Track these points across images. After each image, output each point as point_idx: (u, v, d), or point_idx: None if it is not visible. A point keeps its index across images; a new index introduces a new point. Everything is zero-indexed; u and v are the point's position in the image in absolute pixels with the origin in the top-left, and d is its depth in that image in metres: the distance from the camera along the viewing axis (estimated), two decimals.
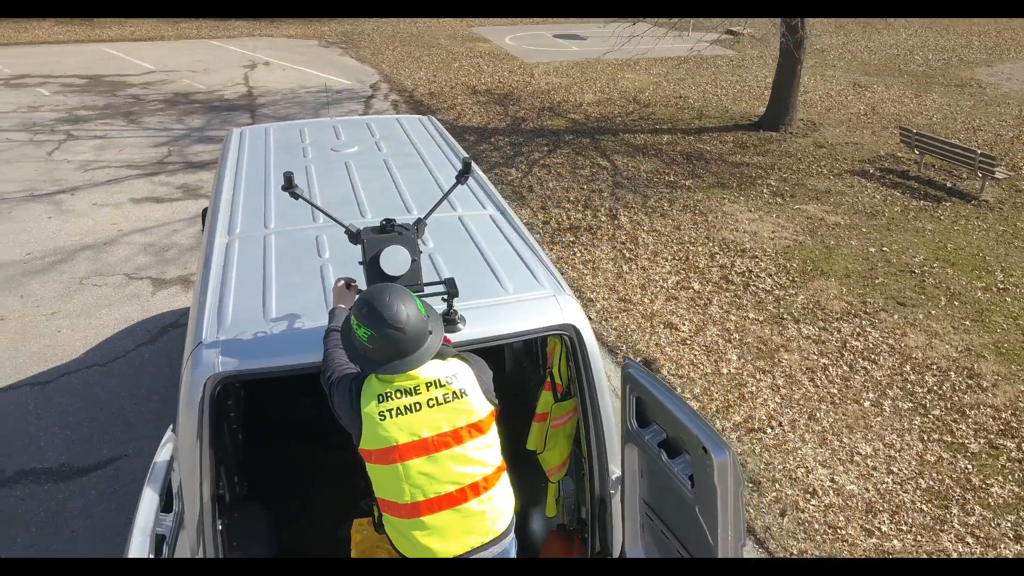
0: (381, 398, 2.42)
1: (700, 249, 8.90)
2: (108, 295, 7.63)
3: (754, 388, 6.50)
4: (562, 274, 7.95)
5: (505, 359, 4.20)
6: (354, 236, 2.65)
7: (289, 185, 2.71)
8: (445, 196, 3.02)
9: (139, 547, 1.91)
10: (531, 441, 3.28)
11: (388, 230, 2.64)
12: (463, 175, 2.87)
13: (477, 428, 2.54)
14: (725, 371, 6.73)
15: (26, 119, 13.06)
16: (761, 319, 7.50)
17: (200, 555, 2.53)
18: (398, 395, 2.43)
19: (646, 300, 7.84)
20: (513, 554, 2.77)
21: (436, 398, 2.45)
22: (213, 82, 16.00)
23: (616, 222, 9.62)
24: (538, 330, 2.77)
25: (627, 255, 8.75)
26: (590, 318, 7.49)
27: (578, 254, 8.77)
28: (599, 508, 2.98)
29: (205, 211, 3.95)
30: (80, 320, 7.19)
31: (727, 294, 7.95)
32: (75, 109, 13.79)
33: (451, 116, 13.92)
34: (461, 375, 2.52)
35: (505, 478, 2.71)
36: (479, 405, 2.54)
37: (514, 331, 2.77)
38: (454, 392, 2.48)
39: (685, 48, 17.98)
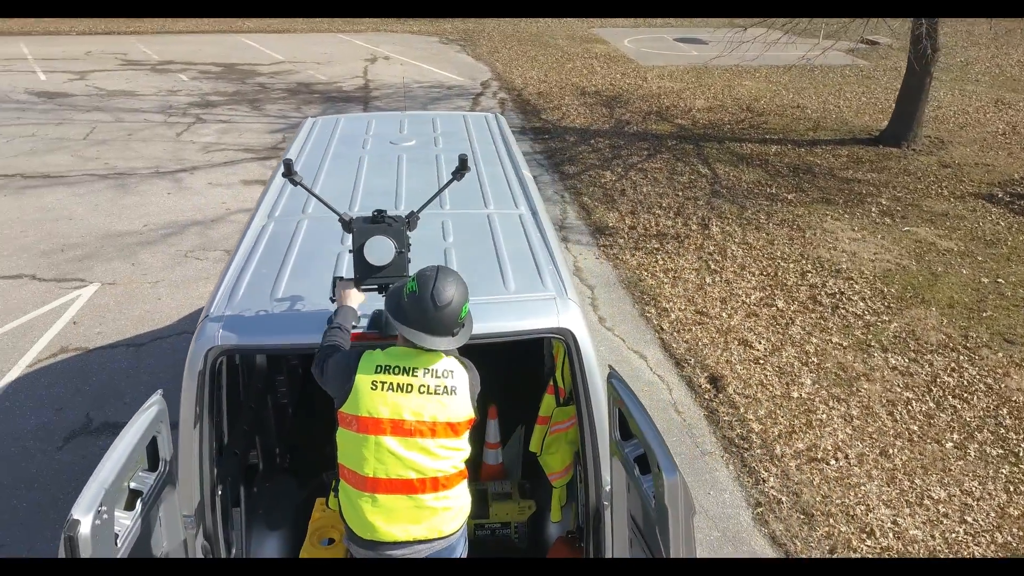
0: (379, 369, 2.50)
1: (791, 266, 8.50)
2: (207, 268, 8.16)
3: (824, 416, 6.15)
4: (638, 283, 7.85)
5: (515, 358, 4.16)
6: (346, 224, 2.72)
7: (288, 172, 2.81)
8: (440, 191, 3.05)
9: (90, 498, 2.05)
10: (532, 442, 3.26)
11: (378, 221, 2.70)
12: (459, 171, 2.89)
13: (453, 429, 2.57)
14: (796, 395, 6.41)
15: (164, 102, 14.14)
16: (845, 344, 7.08)
17: (195, 515, 2.67)
18: (396, 372, 2.50)
19: (724, 315, 7.57)
20: (460, 552, 2.78)
21: (428, 386, 2.51)
22: (334, 74, 16.74)
23: (706, 232, 9.33)
24: (531, 331, 2.75)
25: (712, 266, 8.48)
26: (661, 328, 7.32)
27: (660, 262, 8.58)
28: (593, 519, 2.92)
29: None
30: (179, 290, 7.72)
31: (812, 315, 7.55)
32: (207, 95, 14.80)
33: (555, 116, 13.93)
34: (457, 375, 2.57)
35: (464, 485, 2.72)
36: (463, 409, 2.57)
37: (505, 330, 2.75)
38: (446, 387, 2.53)
39: (809, 56, 17.19)
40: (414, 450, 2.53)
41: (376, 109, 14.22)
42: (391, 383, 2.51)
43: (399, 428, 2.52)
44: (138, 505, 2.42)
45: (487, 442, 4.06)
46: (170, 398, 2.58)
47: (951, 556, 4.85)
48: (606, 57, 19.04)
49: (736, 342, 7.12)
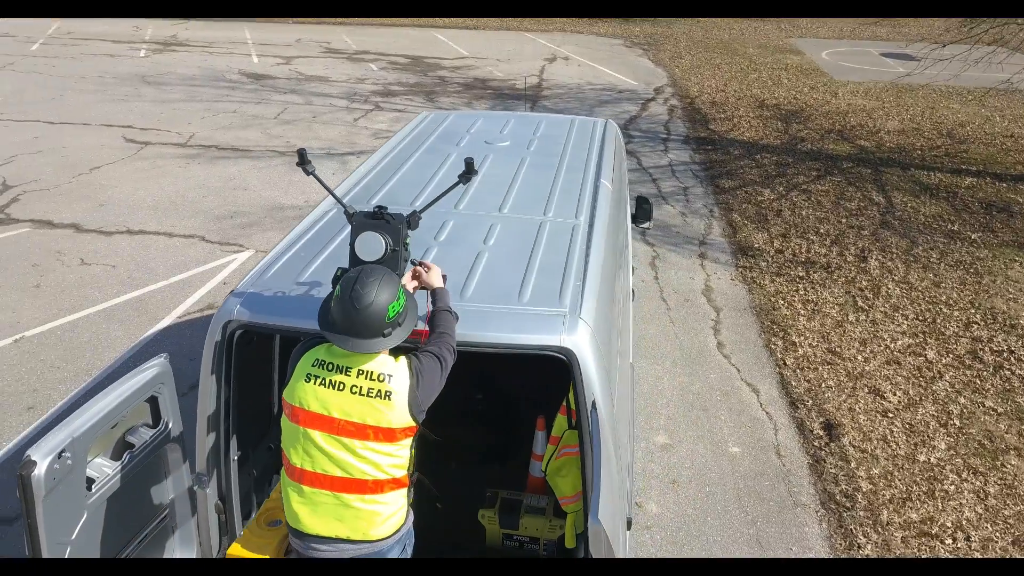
0: (317, 363, 2.51)
1: (955, 314, 7.55)
2: None
3: (953, 488, 5.41)
4: (770, 312, 7.31)
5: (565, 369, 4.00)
6: (349, 217, 2.75)
7: (302, 161, 2.90)
8: (444, 194, 2.99)
9: (52, 444, 2.22)
10: (544, 461, 3.14)
11: (378, 217, 2.70)
12: (465, 175, 2.83)
13: (386, 435, 2.51)
14: (923, 459, 5.69)
15: (351, 89, 15.16)
16: (1000, 411, 6.18)
17: (206, 474, 2.84)
18: (330, 369, 2.49)
19: (860, 357, 6.88)
20: (391, 557, 2.69)
21: (361, 388, 2.47)
22: (511, 71, 17.11)
23: (863, 265, 8.52)
24: (529, 346, 2.62)
25: (860, 303, 7.73)
26: (784, 363, 6.79)
27: (801, 291, 7.95)
28: (586, 552, 2.76)
29: None
30: None
31: (967, 372, 6.66)
32: (391, 84, 15.69)
33: (724, 127, 13.34)
34: (398, 379, 2.50)
35: (401, 494, 2.63)
36: (397, 415, 2.50)
37: (502, 341, 2.65)
38: (379, 391, 2.48)
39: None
40: (340, 449, 2.51)
41: (543, 108, 14.36)
42: (324, 379, 2.51)
43: (327, 424, 2.51)
44: (125, 456, 2.62)
45: (533, 453, 3.97)
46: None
47: None
48: (797, 69, 17.92)
49: (866, 389, 6.45)
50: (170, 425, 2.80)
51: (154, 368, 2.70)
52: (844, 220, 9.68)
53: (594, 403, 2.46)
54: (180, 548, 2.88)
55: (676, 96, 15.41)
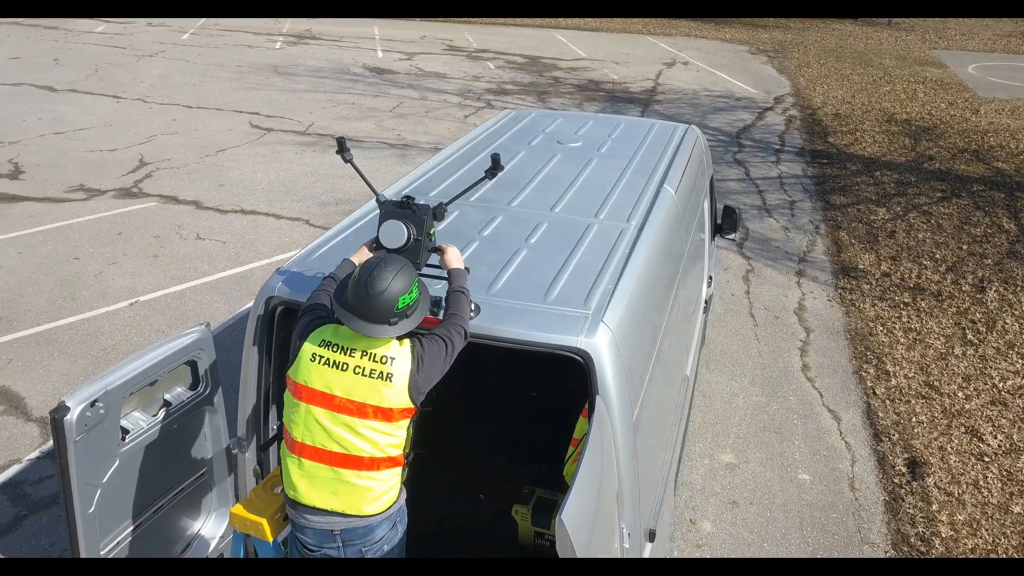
0: (323, 343, 2.62)
1: None
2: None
3: None
4: (867, 337, 6.89)
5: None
6: (380, 205, 2.83)
7: (341, 148, 3.01)
8: (468, 189, 3.01)
9: (86, 393, 2.42)
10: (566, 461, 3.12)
11: (404, 206, 2.77)
12: (490, 171, 2.86)
13: (384, 414, 2.59)
14: (1017, 511, 5.24)
15: (466, 87, 15.49)
16: None
17: (245, 439, 3.01)
18: (335, 349, 2.59)
19: (960, 395, 6.39)
20: (382, 536, 2.75)
21: (363, 369, 2.56)
22: (627, 74, 16.94)
23: (979, 296, 7.91)
24: (547, 345, 2.60)
25: (970, 337, 7.18)
26: (873, 392, 6.41)
27: (904, 319, 7.47)
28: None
29: None
30: None
31: None
32: (505, 83, 15.90)
33: (844, 141, 12.68)
34: (399, 362, 2.57)
35: (395, 472, 2.70)
36: (396, 396, 2.58)
37: (519, 338, 2.64)
38: (381, 373, 2.56)
39: None
40: (340, 426, 2.61)
41: (655, 113, 14.15)
42: (328, 359, 2.60)
43: (328, 402, 2.61)
44: (161, 413, 2.82)
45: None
46: None
47: None
48: (936, 83, 16.77)
49: (962, 429, 5.99)
50: (208, 389, 3.00)
51: (194, 334, 2.89)
52: (965, 247, 9.00)
53: (596, 404, 2.42)
54: (217, 505, 3.08)
55: (796, 106, 14.78)
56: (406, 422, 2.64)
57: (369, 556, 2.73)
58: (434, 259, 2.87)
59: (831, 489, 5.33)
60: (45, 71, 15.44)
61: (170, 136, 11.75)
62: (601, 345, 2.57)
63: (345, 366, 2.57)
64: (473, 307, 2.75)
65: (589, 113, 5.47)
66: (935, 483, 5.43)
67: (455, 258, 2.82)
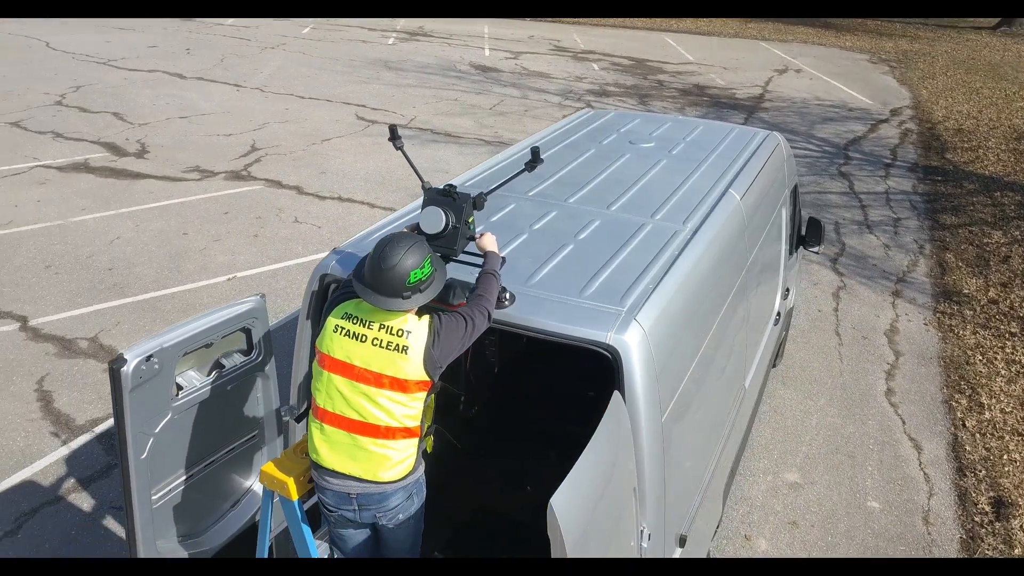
0: (345, 316, 2.76)
1: None
2: None
3: None
4: (963, 366, 6.48)
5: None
6: (424, 192, 2.92)
7: (392, 136, 3.10)
8: (508, 180, 3.04)
9: (144, 348, 2.63)
10: None
11: (446, 194, 2.84)
12: (529, 164, 2.89)
13: (399, 385, 2.68)
14: None
15: (567, 87, 15.53)
16: None
17: (299, 407, 3.17)
18: (355, 322, 2.73)
19: None
20: (397, 504, 2.83)
21: (380, 341, 2.68)
22: (735, 80, 16.51)
23: None
24: (575, 338, 2.61)
25: None
26: (962, 424, 6.04)
27: (1007, 350, 6.98)
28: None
29: None
30: None
31: None
32: (607, 84, 15.83)
33: (963, 158, 11.92)
34: (416, 336, 2.67)
35: (411, 443, 2.77)
36: (412, 369, 2.67)
37: (547, 329, 2.66)
38: (397, 345, 2.67)
39: None
40: (358, 395, 2.73)
41: (759, 122, 13.74)
42: (348, 330, 2.74)
43: (348, 371, 2.74)
44: (214, 374, 3.02)
45: None
46: None
47: None
48: None
49: None
50: (260, 356, 3.19)
51: (249, 303, 3.09)
52: None
53: (614, 398, 2.42)
54: None
55: (915, 119, 13.99)
56: (423, 395, 2.73)
57: (383, 523, 2.85)
58: (473, 247, 2.94)
59: (902, 520, 5.07)
60: (177, 60, 16.57)
61: (281, 124, 12.37)
62: (631, 342, 2.56)
63: (364, 338, 2.70)
64: (508, 296, 2.81)
65: (669, 115, 5.40)
66: (1020, 526, 5.07)
67: (490, 242, 2.90)
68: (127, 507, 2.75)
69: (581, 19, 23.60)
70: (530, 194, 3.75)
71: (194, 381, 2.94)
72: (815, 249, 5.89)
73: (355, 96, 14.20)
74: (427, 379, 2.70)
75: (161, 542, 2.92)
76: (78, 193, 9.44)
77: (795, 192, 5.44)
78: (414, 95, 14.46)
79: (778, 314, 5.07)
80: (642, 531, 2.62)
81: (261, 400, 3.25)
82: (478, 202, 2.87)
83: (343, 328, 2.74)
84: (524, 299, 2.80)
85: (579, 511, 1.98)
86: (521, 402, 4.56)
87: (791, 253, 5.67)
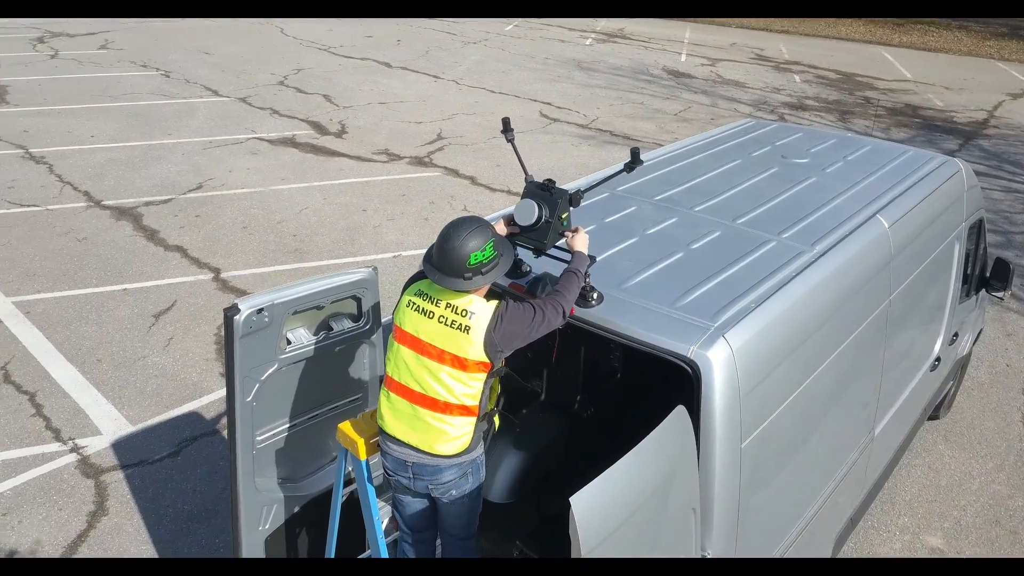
0: (418, 293, 2.90)
1: None
2: None
3: None
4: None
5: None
6: (526, 183, 2.95)
7: (505, 128, 3.13)
8: (605, 180, 2.97)
9: (256, 301, 2.90)
10: None
11: (544, 188, 2.85)
12: (628, 165, 2.81)
13: (460, 363, 2.76)
14: None
15: (762, 98, 14.86)
16: None
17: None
18: (425, 299, 2.85)
19: None
20: (448, 476, 2.89)
21: (446, 319, 2.78)
22: (955, 102, 14.96)
23: None
24: (654, 347, 2.51)
25: None
26: None
27: None
28: None
29: None
30: None
31: None
32: (806, 98, 14.96)
33: None
34: (479, 318, 2.74)
35: (468, 421, 2.81)
36: (472, 349, 2.74)
37: (627, 334, 2.58)
38: (460, 324, 2.75)
39: None
40: (422, 368, 2.85)
41: (977, 149, 12.38)
42: (419, 306, 2.87)
43: (415, 345, 2.86)
44: (322, 334, 3.25)
45: None
46: None
47: None
48: None
49: None
50: (368, 325, 3.40)
51: (361, 274, 3.30)
52: None
53: (677, 411, 2.33)
54: None
55: None
56: (482, 376, 2.81)
57: (436, 495, 2.96)
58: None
59: None
60: (387, 50, 17.80)
61: (468, 116, 12.93)
62: (715, 360, 2.46)
63: (431, 314, 2.82)
64: (596, 296, 2.79)
65: (836, 131, 5.05)
66: None
67: (581, 241, 2.90)
68: (230, 441, 3.07)
69: (790, 28, 22.43)
70: (656, 198, 3.68)
71: (303, 339, 3.21)
72: (1000, 295, 5.25)
73: (543, 94, 14.50)
74: (487, 360, 2.77)
75: (261, 480, 3.22)
76: (281, 165, 10.47)
77: (978, 227, 4.88)
78: (600, 96, 14.51)
79: (937, 359, 4.58)
80: (705, 555, 2.51)
81: (367, 366, 3.47)
82: (574, 199, 2.88)
83: (415, 304, 2.89)
84: (612, 302, 2.78)
85: (605, 516, 1.95)
86: (633, 412, 4.49)
87: (968, 295, 5.10)
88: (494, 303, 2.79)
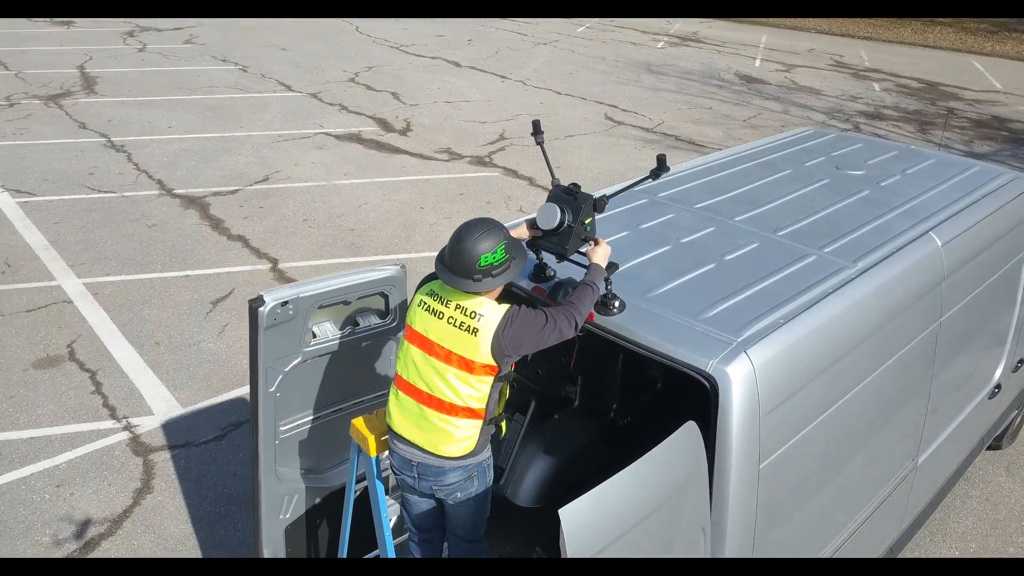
0: (429, 293, 2.89)
1: None
2: None
3: None
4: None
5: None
6: (552, 187, 2.90)
7: (535, 131, 3.09)
8: (631, 186, 2.88)
9: (282, 293, 2.94)
10: None
11: (569, 192, 2.80)
12: (655, 171, 2.73)
13: (466, 365, 2.74)
14: None
15: (837, 105, 14.37)
16: None
17: None
18: (436, 299, 2.85)
19: None
20: (453, 478, 2.87)
21: (455, 320, 2.77)
22: None
23: None
24: (671, 359, 2.43)
25: None
26: None
27: None
28: None
29: None
30: None
31: None
32: (884, 107, 14.40)
33: None
34: (487, 320, 2.71)
35: (474, 424, 2.79)
36: (479, 351, 2.71)
37: (644, 343, 2.50)
38: (468, 326, 2.73)
39: None
40: (429, 368, 2.85)
41: None
42: (429, 306, 2.87)
43: (423, 344, 2.86)
44: (347, 329, 3.28)
45: None
46: None
47: None
48: None
49: None
50: (395, 322, 3.42)
51: (389, 271, 3.31)
52: None
53: (688, 427, 2.26)
54: None
55: None
56: (490, 379, 2.78)
57: (440, 496, 2.96)
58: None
59: None
60: (457, 49, 17.97)
61: (532, 117, 12.92)
62: (735, 376, 2.38)
63: (441, 315, 2.82)
64: (617, 304, 2.74)
65: (899, 143, 4.82)
66: None
67: (600, 254, 2.85)
68: (252, 429, 3.14)
69: (873, 34, 21.63)
70: (696, 206, 3.59)
71: (328, 332, 3.26)
72: None
73: (609, 96, 14.38)
74: (493, 364, 2.75)
75: (284, 469, 3.28)
76: (345, 160, 10.69)
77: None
78: (668, 100, 14.30)
79: (998, 386, 4.33)
80: None
81: (393, 362, 3.50)
82: (599, 204, 2.83)
83: (425, 303, 2.89)
84: (634, 311, 2.72)
85: (597, 529, 1.90)
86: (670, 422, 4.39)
87: None
88: (505, 307, 2.77)
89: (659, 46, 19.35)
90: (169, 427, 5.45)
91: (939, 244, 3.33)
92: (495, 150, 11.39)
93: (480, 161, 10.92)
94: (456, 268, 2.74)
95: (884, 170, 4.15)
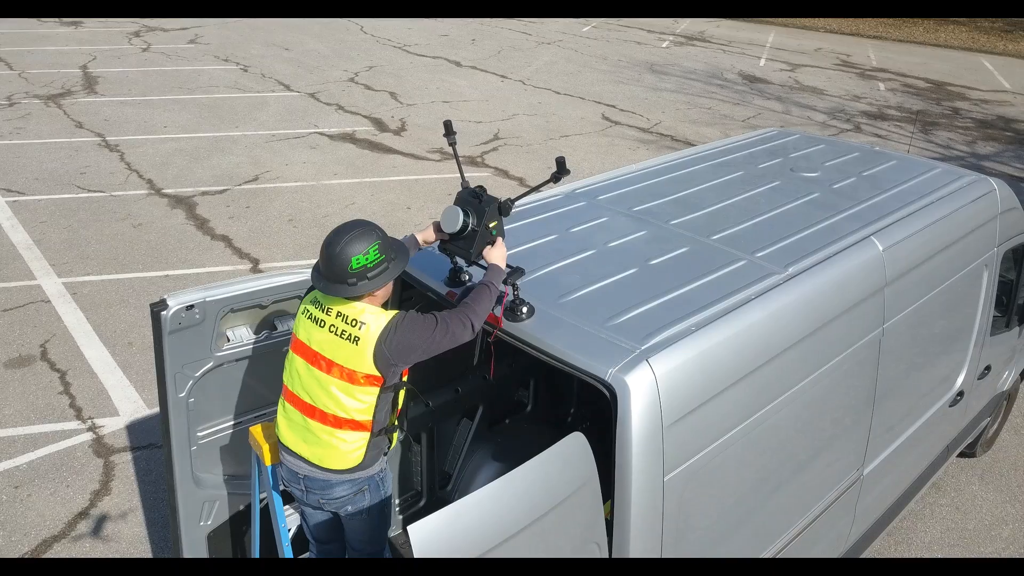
0: (312, 300, 2.81)
1: None
2: None
3: None
4: None
5: None
6: (461, 190, 2.84)
7: (447, 132, 3.03)
8: (532, 190, 2.83)
9: (187, 296, 2.91)
10: None
11: (474, 195, 2.74)
12: (555, 175, 2.67)
13: (347, 375, 2.64)
14: None
15: (840, 106, 14.17)
16: None
17: None
18: (318, 307, 2.76)
19: None
20: (341, 492, 2.78)
21: (336, 328, 2.68)
22: None
23: None
24: (576, 368, 2.37)
25: None
26: None
27: None
28: None
29: None
30: None
31: None
32: (887, 107, 14.19)
33: None
34: (368, 328, 2.62)
35: (361, 437, 2.70)
36: (360, 361, 2.62)
37: (546, 350, 2.44)
38: (349, 335, 2.64)
39: None
40: (312, 379, 2.76)
41: None
42: (311, 314, 2.78)
43: (307, 354, 2.78)
44: (263, 334, 3.22)
45: None
46: None
47: None
48: None
49: None
50: None
51: (304, 274, 3.24)
52: None
53: (575, 437, 2.19)
54: None
55: None
56: (375, 390, 2.68)
57: (329, 509, 2.90)
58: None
59: None
60: (460, 49, 17.93)
61: (529, 117, 12.86)
62: (634, 385, 2.31)
63: (323, 323, 2.74)
64: (525, 310, 2.67)
65: (862, 144, 4.72)
66: None
67: (496, 255, 2.78)
68: (163, 435, 3.09)
69: (883, 33, 21.35)
70: (635, 209, 3.52)
71: (243, 336, 3.21)
72: None
73: (608, 96, 14.28)
74: (377, 374, 2.66)
75: (204, 475, 3.24)
76: (337, 160, 10.68)
77: (1018, 254, 4.46)
78: (667, 100, 14.18)
79: (959, 394, 4.22)
80: None
81: None
82: (504, 207, 2.78)
83: (308, 311, 2.81)
84: (543, 317, 2.65)
85: (454, 547, 1.84)
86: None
87: (1008, 326, 4.69)
88: (391, 314, 2.68)
89: (664, 46, 19.20)
90: (134, 428, 5.45)
91: (880, 249, 3.23)
92: (488, 150, 11.34)
93: (472, 161, 10.87)
94: (329, 274, 2.65)
95: (840, 172, 4.05)
